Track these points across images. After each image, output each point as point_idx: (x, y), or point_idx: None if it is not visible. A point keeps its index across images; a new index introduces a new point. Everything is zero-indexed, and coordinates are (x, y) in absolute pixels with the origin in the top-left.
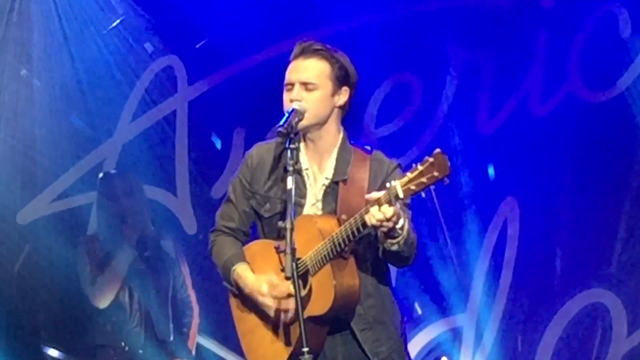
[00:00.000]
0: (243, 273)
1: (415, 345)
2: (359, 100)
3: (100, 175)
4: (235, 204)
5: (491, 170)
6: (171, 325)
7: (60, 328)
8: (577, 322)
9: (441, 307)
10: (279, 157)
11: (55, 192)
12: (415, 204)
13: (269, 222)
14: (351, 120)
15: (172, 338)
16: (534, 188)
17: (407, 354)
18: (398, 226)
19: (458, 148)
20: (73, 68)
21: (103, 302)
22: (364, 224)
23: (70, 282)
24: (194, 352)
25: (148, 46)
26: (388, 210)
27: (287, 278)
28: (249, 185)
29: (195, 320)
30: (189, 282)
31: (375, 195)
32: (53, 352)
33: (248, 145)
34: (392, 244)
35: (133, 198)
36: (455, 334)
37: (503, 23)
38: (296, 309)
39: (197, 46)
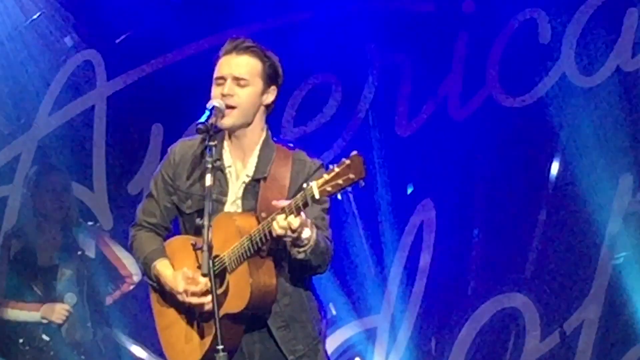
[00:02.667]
0: (162, 270)
1: (330, 346)
2: (278, 99)
3: (33, 169)
4: (157, 199)
5: (408, 173)
6: (89, 324)
7: None
8: (491, 326)
9: (356, 307)
10: (201, 154)
11: None
12: (332, 204)
13: (190, 219)
14: (270, 118)
15: (91, 337)
16: (451, 191)
17: (325, 352)
18: (304, 236)
19: (376, 149)
20: None
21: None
22: (270, 233)
23: None
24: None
25: (68, 40)
26: (294, 221)
27: (204, 275)
28: (171, 180)
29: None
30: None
31: (282, 204)
32: None
33: (166, 142)
34: (299, 252)
35: (64, 194)
36: (370, 335)
37: (424, 26)
38: (212, 307)
39: (117, 41)
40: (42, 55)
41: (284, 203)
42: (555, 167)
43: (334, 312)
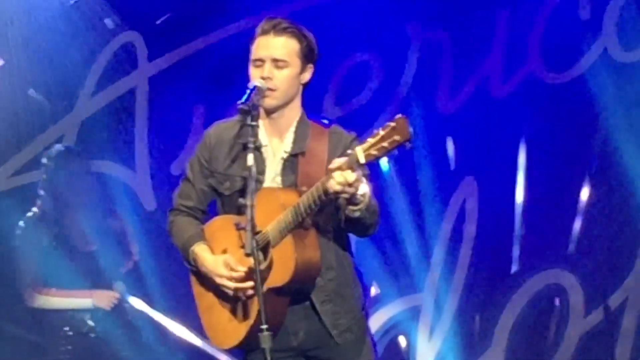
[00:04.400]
0: (201, 253)
1: (373, 324)
2: (319, 79)
3: (52, 152)
4: (193, 183)
5: (451, 151)
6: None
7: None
8: (535, 303)
9: (399, 285)
10: (237, 135)
11: (13, 167)
12: (375, 184)
13: (229, 200)
14: (311, 98)
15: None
16: (493, 168)
17: (368, 327)
18: (360, 193)
19: (418, 128)
20: (33, 43)
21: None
22: (326, 191)
23: None
24: None
25: (108, 22)
26: (350, 176)
27: (247, 255)
28: (208, 164)
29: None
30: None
31: (337, 162)
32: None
33: (208, 122)
34: (354, 211)
35: (86, 177)
36: (413, 313)
37: (464, 3)
38: (255, 286)
39: (158, 22)
40: (84, 37)
41: (339, 161)
42: (597, 143)
43: (377, 291)
